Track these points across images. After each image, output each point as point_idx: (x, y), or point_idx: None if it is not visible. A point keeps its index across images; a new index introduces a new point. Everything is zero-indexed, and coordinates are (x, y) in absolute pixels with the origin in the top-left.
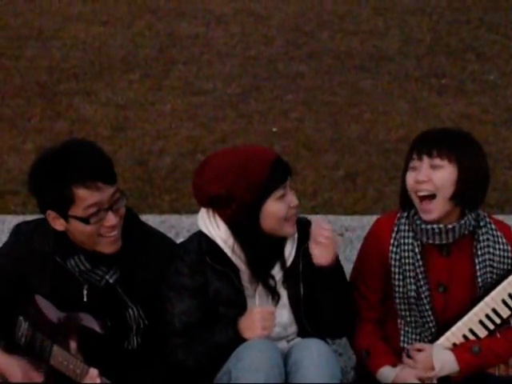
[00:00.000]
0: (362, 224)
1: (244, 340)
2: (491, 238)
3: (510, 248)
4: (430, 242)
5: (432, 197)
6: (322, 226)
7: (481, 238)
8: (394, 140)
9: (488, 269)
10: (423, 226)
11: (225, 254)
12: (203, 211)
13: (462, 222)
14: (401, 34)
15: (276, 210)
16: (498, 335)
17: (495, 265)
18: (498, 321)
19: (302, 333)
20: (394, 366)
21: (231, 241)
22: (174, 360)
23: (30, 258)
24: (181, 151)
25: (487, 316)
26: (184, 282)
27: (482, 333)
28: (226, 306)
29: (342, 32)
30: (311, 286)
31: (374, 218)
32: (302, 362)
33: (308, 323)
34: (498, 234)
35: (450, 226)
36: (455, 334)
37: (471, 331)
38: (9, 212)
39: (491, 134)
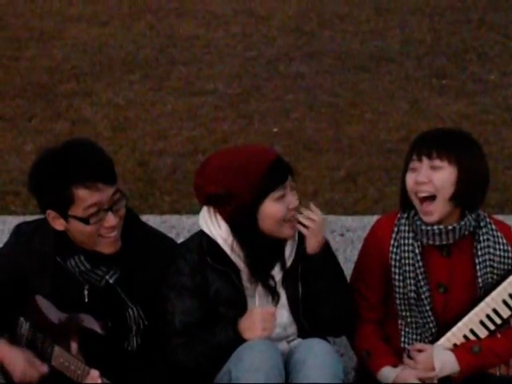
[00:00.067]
0: (363, 224)
1: (244, 340)
2: (491, 238)
3: (510, 248)
4: (431, 242)
5: (432, 198)
6: (311, 208)
7: (481, 239)
8: (395, 140)
9: (488, 269)
10: (423, 226)
11: (225, 254)
12: (204, 211)
13: (462, 222)
14: (401, 35)
15: (274, 210)
16: (499, 335)
17: (495, 265)
18: (498, 321)
19: (302, 333)
20: (395, 366)
21: (230, 239)
22: (174, 360)
23: (31, 258)
24: (181, 151)
25: (488, 316)
26: (185, 281)
27: (483, 333)
28: (227, 306)
29: (343, 32)
30: (309, 284)
31: (375, 218)
32: (305, 362)
33: (307, 323)
34: (499, 234)
35: (450, 227)
36: (456, 334)
37: (472, 331)
38: (9, 213)
39: (492, 134)
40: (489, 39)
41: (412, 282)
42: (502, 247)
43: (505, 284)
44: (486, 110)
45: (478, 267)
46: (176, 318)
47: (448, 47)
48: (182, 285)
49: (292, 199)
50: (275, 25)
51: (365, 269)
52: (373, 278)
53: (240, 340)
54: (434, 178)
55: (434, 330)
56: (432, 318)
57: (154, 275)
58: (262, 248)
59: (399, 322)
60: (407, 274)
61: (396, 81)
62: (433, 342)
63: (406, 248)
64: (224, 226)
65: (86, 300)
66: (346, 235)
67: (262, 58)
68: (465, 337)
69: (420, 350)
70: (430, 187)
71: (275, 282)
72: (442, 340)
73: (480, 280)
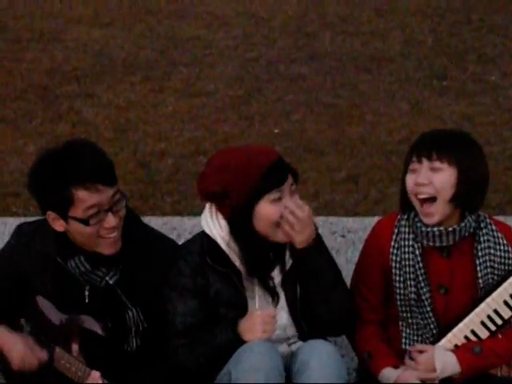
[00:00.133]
0: (364, 225)
1: (244, 342)
2: (492, 239)
3: (510, 249)
4: (431, 244)
5: (432, 200)
6: (297, 203)
7: (481, 239)
8: (396, 141)
9: (489, 270)
10: (423, 228)
11: (226, 255)
12: (206, 211)
13: (463, 224)
14: (402, 36)
15: (269, 212)
16: (500, 336)
17: (496, 266)
18: (499, 322)
19: (303, 336)
20: (396, 367)
21: (228, 238)
22: (175, 361)
23: (31, 258)
24: (182, 153)
25: (489, 317)
26: (186, 282)
27: (484, 334)
28: (227, 308)
29: (344, 34)
30: (304, 283)
31: (376, 219)
32: (309, 363)
33: (305, 323)
34: (499, 235)
35: (450, 229)
36: (457, 335)
37: (473, 332)
38: (10, 214)
39: (492, 135)
40: (489, 40)
41: (412, 283)
42: (502, 248)
43: (506, 284)
44: (486, 110)
45: (478, 268)
46: (177, 318)
47: (449, 48)
48: (183, 286)
49: (288, 203)
50: (276, 26)
51: (365, 270)
52: (373, 280)
53: (240, 341)
54: (434, 180)
55: (434, 331)
56: (433, 319)
57: (155, 276)
58: (257, 249)
59: (400, 323)
60: (408, 276)
61: (397, 82)
62: (434, 343)
63: (407, 249)
64: (224, 225)
65: (87, 301)
66: (347, 236)
67: (262, 60)
68: (466, 337)
69: (421, 351)
70: (430, 189)
71: (274, 284)
72: (443, 341)
73: (481, 281)
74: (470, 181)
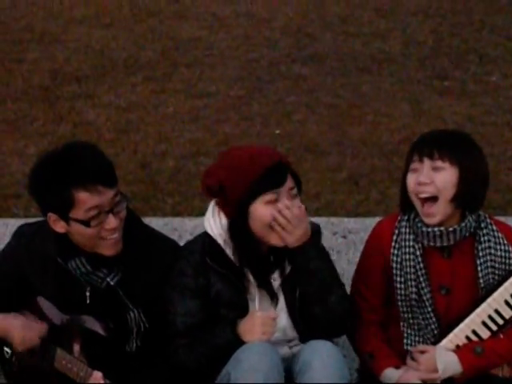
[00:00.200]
0: (365, 226)
1: (243, 343)
2: (492, 238)
3: (511, 249)
4: (432, 244)
5: (433, 199)
6: (286, 204)
7: (482, 239)
8: (397, 142)
9: (490, 270)
10: (424, 228)
11: (226, 256)
12: (209, 211)
13: (463, 223)
14: (403, 36)
15: (261, 213)
16: (501, 336)
17: (497, 265)
18: (500, 322)
19: (303, 338)
20: (398, 368)
21: (225, 235)
22: (176, 361)
23: (32, 259)
24: (184, 154)
25: (490, 317)
26: (187, 282)
27: (485, 334)
28: (228, 308)
29: (345, 34)
30: (299, 283)
31: (377, 220)
32: (311, 363)
33: (303, 324)
34: (500, 235)
35: (451, 229)
36: (458, 335)
37: (474, 332)
38: (11, 215)
39: (493, 135)
40: (490, 41)
41: (413, 283)
42: (502, 247)
43: (506, 284)
44: (487, 111)
45: (479, 268)
46: (178, 318)
47: (450, 49)
48: (185, 286)
49: (279, 204)
50: (277, 27)
51: (366, 271)
52: (374, 280)
53: (239, 342)
54: (436, 179)
55: (436, 332)
56: (434, 320)
57: (156, 277)
58: (252, 250)
59: (401, 323)
60: (408, 276)
61: (398, 82)
62: (435, 343)
63: (407, 250)
64: (225, 223)
65: (88, 301)
66: (348, 237)
67: (263, 60)
68: (467, 338)
69: (422, 352)
70: (432, 188)
71: (274, 286)
72: (445, 341)
73: (482, 281)
74: (471, 180)
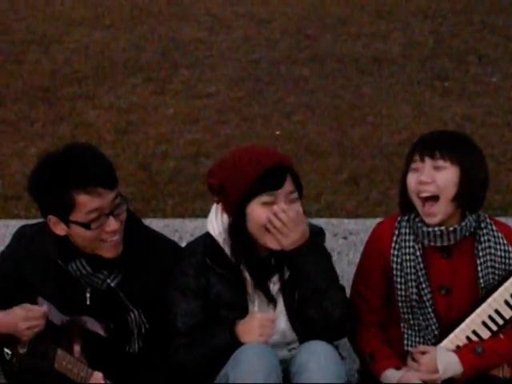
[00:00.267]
0: (366, 227)
1: (242, 343)
2: (492, 238)
3: (511, 249)
4: (432, 244)
5: (434, 198)
6: (282, 208)
7: (482, 239)
8: (397, 143)
9: (490, 270)
10: (424, 228)
11: (226, 256)
12: (213, 211)
13: (463, 223)
14: (403, 37)
15: (257, 214)
16: (501, 336)
17: (497, 265)
18: (500, 322)
19: (301, 341)
20: (398, 368)
21: (224, 234)
22: (176, 360)
23: (32, 261)
24: (184, 155)
25: (490, 317)
26: (188, 282)
27: (485, 334)
28: (228, 309)
29: (345, 35)
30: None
31: (378, 221)
32: (307, 364)
33: (301, 327)
34: (499, 235)
35: (451, 228)
36: (458, 336)
37: (474, 333)
38: (12, 216)
39: (494, 136)
40: (491, 41)
41: (413, 284)
42: (502, 247)
43: (506, 284)
44: (488, 112)
45: (479, 268)
46: (179, 318)
47: (450, 50)
48: (186, 286)
49: (275, 207)
50: (277, 28)
51: (366, 272)
52: (374, 281)
53: (237, 343)
54: (438, 178)
55: (436, 332)
56: (434, 320)
57: (156, 278)
58: (248, 251)
59: (402, 324)
60: (408, 277)
61: (398, 83)
62: (435, 343)
63: (407, 250)
64: (226, 223)
65: (88, 303)
66: (348, 238)
67: (263, 61)
68: (467, 338)
69: (423, 352)
70: (433, 187)
71: (273, 289)
72: (445, 342)
73: (482, 281)
74: (471, 180)
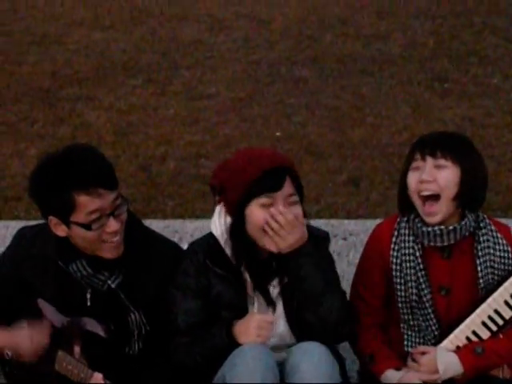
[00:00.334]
0: (366, 228)
1: (239, 344)
2: (491, 238)
3: (510, 249)
4: (432, 244)
5: (435, 197)
6: (279, 210)
7: (481, 239)
8: (397, 144)
9: (489, 270)
10: (424, 228)
11: (226, 257)
12: (216, 211)
13: (463, 222)
14: (403, 38)
15: (256, 216)
16: (501, 336)
17: (496, 266)
18: (500, 322)
19: None
20: (398, 369)
21: (226, 235)
22: (176, 359)
23: (33, 262)
24: (184, 156)
25: (490, 317)
26: (189, 282)
27: (485, 334)
28: (228, 310)
29: (345, 36)
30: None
31: (378, 222)
32: (299, 365)
33: (299, 330)
34: (499, 235)
35: (451, 227)
36: (458, 336)
37: (474, 333)
38: (12, 217)
39: (494, 137)
40: (491, 42)
41: (413, 284)
42: (502, 248)
43: (506, 284)
44: (488, 113)
45: (479, 268)
46: (179, 317)
47: (450, 51)
48: (187, 285)
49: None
50: (277, 29)
51: (366, 273)
52: (374, 282)
53: (235, 343)
54: (439, 177)
55: (436, 333)
56: (434, 321)
57: (157, 279)
58: (251, 252)
59: (401, 325)
60: (408, 277)
61: (398, 84)
62: (435, 344)
63: (407, 251)
64: (228, 223)
65: (89, 304)
66: (348, 239)
67: (264, 62)
68: (467, 338)
69: (423, 353)
70: (435, 186)
71: (272, 292)
72: (445, 342)
73: (481, 281)
74: (472, 180)
